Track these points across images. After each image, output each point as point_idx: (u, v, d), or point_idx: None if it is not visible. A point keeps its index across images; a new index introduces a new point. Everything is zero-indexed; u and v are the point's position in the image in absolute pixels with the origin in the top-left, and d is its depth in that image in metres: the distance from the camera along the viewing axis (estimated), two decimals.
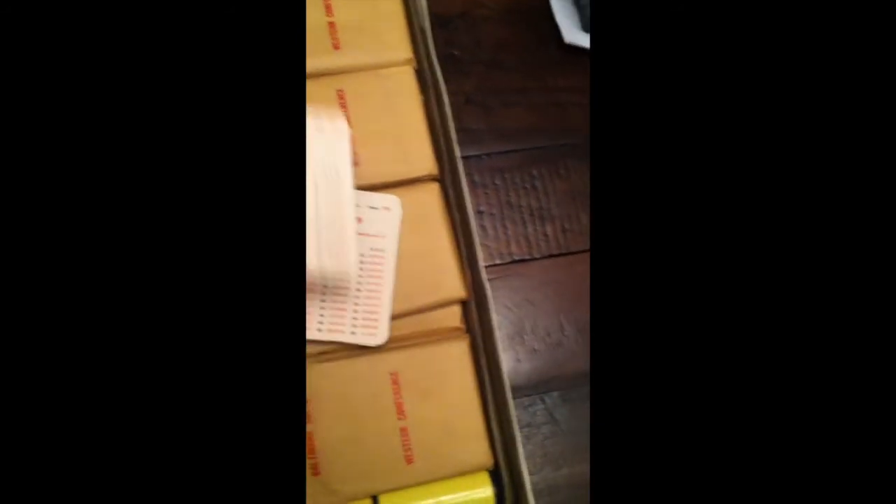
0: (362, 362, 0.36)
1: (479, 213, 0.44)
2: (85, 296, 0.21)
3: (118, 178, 0.22)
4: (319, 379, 0.35)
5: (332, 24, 0.40)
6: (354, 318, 0.36)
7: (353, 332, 0.36)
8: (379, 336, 0.36)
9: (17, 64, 0.21)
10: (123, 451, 0.21)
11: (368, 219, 0.37)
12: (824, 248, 0.22)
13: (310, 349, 0.37)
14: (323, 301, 0.36)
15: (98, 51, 0.22)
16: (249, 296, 0.22)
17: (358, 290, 0.36)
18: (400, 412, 0.35)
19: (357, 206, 0.37)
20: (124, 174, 0.22)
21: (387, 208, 0.38)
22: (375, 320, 0.36)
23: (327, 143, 0.36)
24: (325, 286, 0.36)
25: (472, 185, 0.44)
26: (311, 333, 0.36)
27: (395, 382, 0.36)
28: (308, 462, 0.34)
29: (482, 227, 0.44)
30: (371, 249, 0.37)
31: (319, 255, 0.34)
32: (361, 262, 0.37)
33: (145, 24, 0.22)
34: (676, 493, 0.22)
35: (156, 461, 0.21)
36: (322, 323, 0.36)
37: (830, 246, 0.22)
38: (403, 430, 0.35)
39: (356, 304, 0.36)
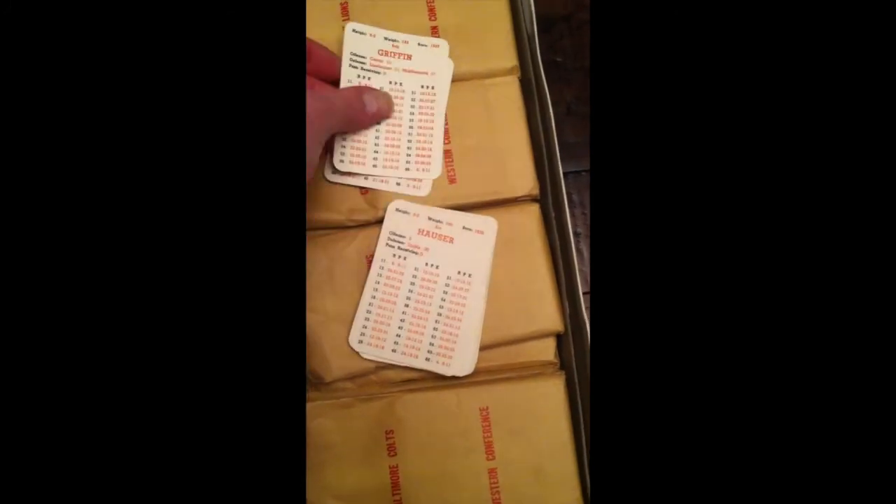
0: (450, 395, 0.34)
1: (575, 234, 0.41)
2: (92, 291, 0.21)
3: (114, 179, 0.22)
4: (404, 410, 0.33)
5: (434, 29, 0.37)
6: (431, 344, 0.34)
7: (427, 359, 0.34)
8: (453, 367, 0.34)
9: (18, 63, 0.21)
10: (122, 454, 0.21)
11: (460, 239, 0.35)
12: (823, 252, 0.22)
13: (393, 376, 0.35)
14: (402, 320, 0.34)
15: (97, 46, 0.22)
16: (248, 297, 0.22)
17: (439, 313, 0.34)
18: (489, 451, 0.33)
19: (449, 224, 0.35)
20: (116, 177, 0.22)
21: (480, 231, 0.35)
22: (451, 349, 0.34)
23: (433, 57, 0.37)
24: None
25: (570, 204, 0.41)
26: (385, 354, 0.34)
27: (486, 419, 0.33)
28: (392, 499, 0.32)
29: (578, 251, 0.41)
30: (458, 272, 0.35)
31: (409, 164, 0.36)
32: (446, 285, 0.35)
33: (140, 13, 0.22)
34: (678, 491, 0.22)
35: (154, 472, 0.21)
36: (398, 343, 0.34)
37: (830, 246, 0.22)
38: (492, 472, 0.33)
39: (435, 328, 0.34)
